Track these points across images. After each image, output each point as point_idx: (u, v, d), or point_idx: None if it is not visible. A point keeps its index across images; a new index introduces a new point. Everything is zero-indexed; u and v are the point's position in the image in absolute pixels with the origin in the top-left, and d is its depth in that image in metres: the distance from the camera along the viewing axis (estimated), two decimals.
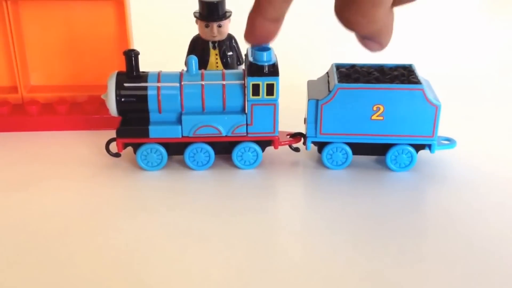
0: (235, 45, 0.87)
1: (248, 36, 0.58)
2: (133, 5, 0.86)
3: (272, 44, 0.83)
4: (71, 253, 0.62)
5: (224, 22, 0.84)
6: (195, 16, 0.85)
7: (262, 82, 0.72)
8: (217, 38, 0.85)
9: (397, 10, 0.47)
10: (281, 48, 0.88)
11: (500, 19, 1.33)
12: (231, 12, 0.85)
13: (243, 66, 0.88)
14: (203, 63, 0.84)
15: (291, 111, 0.80)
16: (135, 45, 0.87)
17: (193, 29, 0.86)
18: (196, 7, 0.85)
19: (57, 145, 0.83)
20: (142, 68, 0.74)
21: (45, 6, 0.83)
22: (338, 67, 0.77)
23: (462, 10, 1.38)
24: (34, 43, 0.84)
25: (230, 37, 0.87)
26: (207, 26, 0.83)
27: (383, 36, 0.53)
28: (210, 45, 0.85)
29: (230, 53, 0.86)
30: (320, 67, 0.82)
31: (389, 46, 0.48)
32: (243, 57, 0.87)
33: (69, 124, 0.85)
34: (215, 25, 0.83)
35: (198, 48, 0.80)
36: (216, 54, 0.85)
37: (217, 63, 0.85)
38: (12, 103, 0.86)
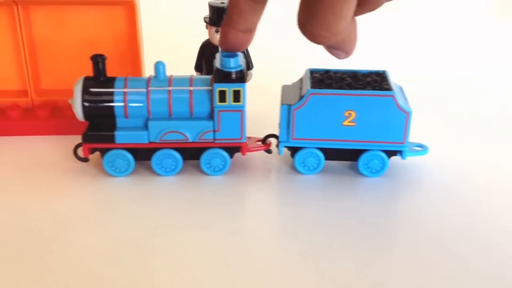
0: (245, 50, 0.87)
1: (222, 44, 0.58)
2: (143, 9, 0.86)
3: (251, 49, 0.84)
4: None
5: None
6: (205, 21, 0.85)
7: (229, 89, 0.71)
8: None
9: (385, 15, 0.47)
10: (260, 52, 0.89)
11: (476, 25, 1.33)
12: None
13: (252, 71, 0.87)
14: (212, 68, 0.82)
15: (268, 116, 0.80)
16: (146, 49, 0.87)
17: (203, 34, 0.86)
18: (206, 11, 0.85)
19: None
20: (151, 72, 0.74)
21: (56, 10, 0.82)
22: (312, 72, 0.76)
23: (443, 16, 1.38)
24: (45, 47, 0.83)
25: None
26: (217, 31, 0.83)
27: (348, 45, 0.53)
28: (220, 50, 0.83)
29: None
30: (299, 72, 0.81)
31: (364, 53, 0.48)
32: (253, 62, 0.87)
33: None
34: None
35: (207, 53, 0.79)
36: None
37: None
38: None
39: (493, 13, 1.35)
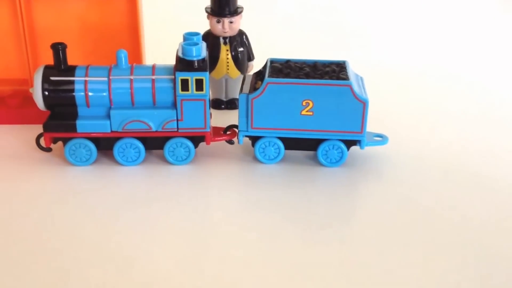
0: (246, 41, 0.88)
1: None
2: None
3: (252, 41, 0.86)
4: None
5: (235, 18, 0.84)
6: (206, 11, 0.85)
7: (191, 77, 0.71)
8: (228, 34, 0.85)
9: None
10: (260, 44, 0.90)
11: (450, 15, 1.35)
12: (242, 8, 0.85)
13: (253, 63, 0.88)
14: (213, 59, 0.85)
15: None
16: (146, 39, 0.86)
17: (204, 24, 0.86)
18: (208, 2, 0.85)
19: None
20: (152, 62, 0.74)
21: None
22: (273, 61, 0.77)
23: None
24: (46, 36, 0.83)
25: (241, 33, 0.87)
26: (218, 22, 0.84)
27: None
28: (221, 40, 0.85)
29: (241, 49, 0.87)
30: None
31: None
32: (254, 53, 0.88)
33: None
34: (226, 20, 0.84)
35: (208, 44, 0.80)
36: (227, 50, 0.86)
37: (227, 59, 0.85)
38: None
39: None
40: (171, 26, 1.12)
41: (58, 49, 0.72)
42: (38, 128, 0.77)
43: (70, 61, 0.74)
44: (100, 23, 0.84)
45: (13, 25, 0.82)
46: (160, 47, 0.78)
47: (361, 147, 0.75)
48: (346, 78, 0.72)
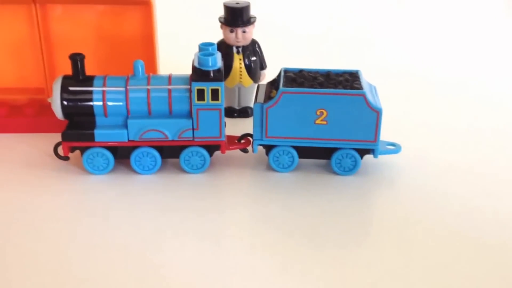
0: (259, 50, 0.89)
1: None
2: (159, 8, 0.87)
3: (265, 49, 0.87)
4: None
5: (248, 28, 0.85)
6: (220, 21, 0.86)
7: (207, 87, 0.72)
8: (241, 43, 0.86)
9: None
10: (273, 53, 0.91)
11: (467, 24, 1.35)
12: (255, 17, 0.87)
13: (265, 71, 0.89)
14: (226, 68, 0.86)
15: None
16: (161, 49, 0.87)
17: (218, 34, 0.87)
18: (221, 12, 0.86)
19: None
20: (166, 71, 0.74)
21: (73, 9, 0.83)
22: (286, 71, 0.78)
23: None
24: (62, 45, 0.84)
25: (254, 42, 0.88)
26: (231, 31, 0.85)
27: None
28: (234, 50, 0.87)
29: (254, 58, 0.88)
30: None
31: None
32: (266, 62, 0.89)
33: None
34: (239, 30, 0.85)
35: (222, 53, 0.80)
36: (240, 59, 0.87)
37: (240, 67, 0.87)
38: None
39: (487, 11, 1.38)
40: (184, 35, 1.15)
41: (77, 60, 0.73)
42: (54, 137, 0.79)
43: (86, 71, 0.75)
44: (115, 33, 0.84)
45: (30, 35, 0.83)
46: (173, 57, 0.78)
47: (375, 156, 0.76)
48: (360, 87, 0.73)
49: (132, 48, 0.85)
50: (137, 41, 0.85)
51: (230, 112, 0.92)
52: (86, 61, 0.74)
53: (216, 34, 0.89)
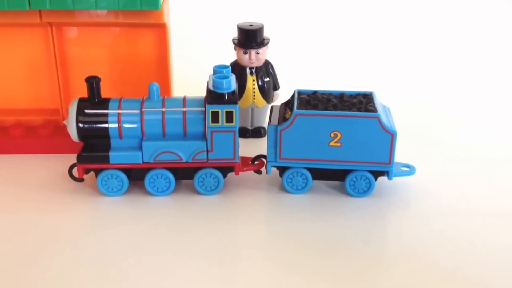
0: (272, 71, 0.89)
1: None
2: (173, 30, 0.88)
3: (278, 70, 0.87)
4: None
5: (262, 49, 0.86)
6: (233, 43, 0.86)
7: (222, 110, 0.72)
8: (255, 65, 0.86)
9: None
10: (287, 73, 0.91)
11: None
12: (269, 39, 0.87)
13: (278, 92, 0.89)
14: (240, 89, 0.86)
15: None
16: (175, 71, 0.87)
17: (231, 55, 0.87)
18: (235, 33, 0.86)
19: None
20: (179, 93, 0.74)
21: (88, 31, 0.83)
22: (300, 93, 0.78)
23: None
24: (77, 67, 0.85)
25: (267, 63, 0.88)
26: (245, 53, 0.85)
27: None
28: (248, 71, 0.87)
29: (267, 79, 0.88)
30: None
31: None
32: (279, 83, 0.89)
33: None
34: (253, 52, 0.85)
35: (235, 74, 0.80)
36: (253, 80, 0.87)
37: (254, 88, 0.87)
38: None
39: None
40: (197, 57, 1.14)
41: (93, 83, 0.73)
42: (69, 158, 0.79)
43: (102, 95, 0.75)
44: (130, 55, 0.85)
45: (46, 57, 0.84)
46: (187, 79, 0.78)
47: (389, 178, 0.75)
48: (374, 110, 0.73)
49: (147, 70, 0.85)
50: (151, 64, 0.85)
51: (243, 132, 0.91)
52: (101, 83, 0.75)
53: (229, 55, 0.89)
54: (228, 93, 0.72)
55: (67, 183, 0.78)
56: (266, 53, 0.88)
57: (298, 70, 1.16)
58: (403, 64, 1.23)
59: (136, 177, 0.76)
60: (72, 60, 0.85)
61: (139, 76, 0.85)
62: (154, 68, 0.86)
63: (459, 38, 1.31)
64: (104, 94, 0.76)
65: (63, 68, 0.84)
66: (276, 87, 0.90)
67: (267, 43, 0.87)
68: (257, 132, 0.93)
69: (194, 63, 1.11)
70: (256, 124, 0.92)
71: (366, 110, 0.73)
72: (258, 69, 0.88)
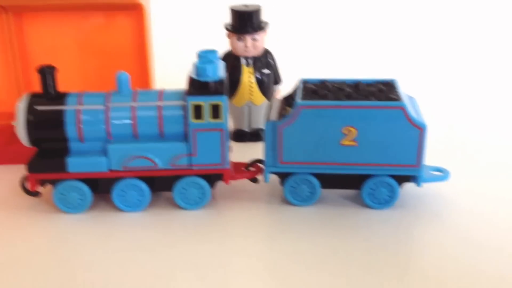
0: (272, 62, 0.83)
1: None
2: (155, 16, 0.82)
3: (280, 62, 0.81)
4: None
5: (259, 35, 0.79)
6: (226, 29, 0.80)
7: (206, 103, 0.63)
8: (251, 54, 0.80)
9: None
10: (289, 66, 0.85)
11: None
12: (267, 23, 0.81)
13: (280, 87, 0.84)
14: (234, 83, 0.80)
15: None
16: (156, 62, 0.82)
17: (224, 43, 0.81)
18: (227, 17, 0.80)
19: None
20: (164, 87, 0.69)
21: (54, 18, 0.77)
22: (306, 82, 0.69)
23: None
24: (41, 61, 0.77)
25: (266, 52, 0.82)
26: (239, 39, 0.79)
27: None
28: (243, 62, 0.80)
29: (266, 71, 0.81)
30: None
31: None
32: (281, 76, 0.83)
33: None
34: (249, 38, 0.79)
35: (228, 65, 0.74)
36: (250, 72, 0.81)
37: (250, 82, 0.81)
38: None
39: None
40: (185, 45, 1.07)
41: (46, 73, 0.64)
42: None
43: (72, 90, 0.68)
44: (102, 43, 0.79)
45: (1, 50, 0.77)
46: (172, 72, 0.72)
47: (418, 184, 0.66)
48: (398, 98, 0.63)
49: (123, 60, 0.79)
50: (128, 53, 0.79)
51: (240, 136, 0.84)
52: (70, 77, 0.70)
53: (223, 44, 0.81)
54: (214, 82, 0.63)
55: (22, 198, 0.70)
56: (265, 40, 0.80)
57: (303, 60, 1.09)
58: (432, 46, 1.17)
59: (101, 189, 0.67)
60: (35, 54, 0.78)
61: (114, 67, 0.77)
62: (131, 58, 0.80)
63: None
64: (75, 89, 0.68)
65: (23, 63, 0.78)
66: (277, 81, 0.83)
67: (265, 28, 0.80)
68: (256, 135, 0.84)
69: (180, 52, 1.03)
70: (255, 126, 0.84)
71: (388, 99, 0.63)
72: (255, 60, 0.81)
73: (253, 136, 0.83)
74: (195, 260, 0.59)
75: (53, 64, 0.71)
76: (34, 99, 0.65)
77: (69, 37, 0.78)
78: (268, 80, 0.81)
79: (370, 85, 0.67)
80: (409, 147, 0.63)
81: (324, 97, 0.64)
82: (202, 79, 0.62)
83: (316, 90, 0.66)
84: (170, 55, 0.95)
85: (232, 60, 0.80)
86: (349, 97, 0.64)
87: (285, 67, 0.84)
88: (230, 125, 0.83)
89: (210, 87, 0.62)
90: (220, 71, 0.64)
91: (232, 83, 0.79)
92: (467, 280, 0.56)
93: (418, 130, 0.62)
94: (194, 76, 0.63)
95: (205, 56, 0.67)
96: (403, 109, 0.61)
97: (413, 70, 1.07)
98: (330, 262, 0.58)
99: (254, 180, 0.70)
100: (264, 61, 0.81)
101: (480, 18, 1.26)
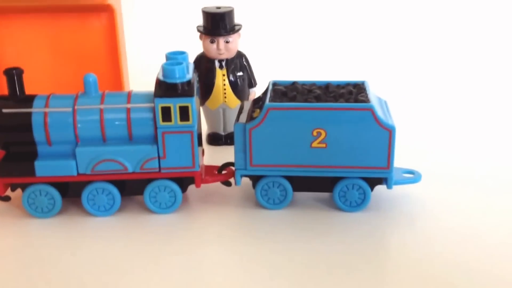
0: (246, 64, 0.81)
1: None
2: (126, 16, 0.80)
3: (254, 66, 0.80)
4: None
5: (232, 37, 0.77)
6: (198, 31, 0.79)
7: (174, 104, 0.61)
8: (224, 56, 0.78)
9: None
10: (263, 68, 0.85)
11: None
12: (240, 25, 0.79)
13: (255, 89, 0.82)
14: (208, 86, 0.79)
15: None
16: (129, 64, 0.81)
17: (197, 46, 0.79)
18: (200, 20, 0.78)
19: None
20: (137, 89, 0.67)
21: (22, 20, 0.76)
22: (275, 84, 0.67)
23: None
24: (9, 64, 0.75)
25: (240, 55, 0.81)
26: (212, 42, 0.77)
27: None
28: (217, 64, 0.79)
29: (240, 73, 0.80)
30: None
31: None
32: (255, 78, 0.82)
33: None
34: (221, 40, 0.77)
35: (202, 68, 0.73)
36: (224, 75, 0.79)
37: (224, 85, 0.79)
38: None
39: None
40: (157, 48, 1.05)
41: (13, 74, 0.63)
42: None
43: (44, 92, 0.66)
44: (73, 46, 0.78)
45: None
46: (145, 73, 0.70)
47: (388, 186, 0.64)
48: (367, 100, 0.62)
49: (95, 62, 0.78)
50: (100, 54, 0.78)
51: (215, 139, 0.83)
52: (41, 80, 0.70)
53: (195, 46, 0.79)
54: (182, 84, 0.61)
55: None
56: (239, 43, 0.79)
57: (278, 63, 1.08)
58: (404, 54, 1.15)
59: (71, 193, 0.66)
60: (5, 56, 0.77)
61: (87, 70, 0.75)
62: (103, 60, 0.78)
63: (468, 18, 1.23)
64: (47, 93, 0.66)
65: None
66: (252, 83, 0.81)
67: (239, 29, 0.78)
68: (231, 138, 0.82)
69: (153, 54, 1.01)
70: (230, 129, 0.83)
71: (357, 101, 0.62)
72: (229, 62, 0.79)
73: (228, 139, 0.82)
74: (166, 264, 0.58)
75: (25, 66, 0.69)
76: (1, 102, 0.63)
77: (40, 39, 0.77)
78: (242, 83, 0.79)
79: (340, 87, 0.66)
80: (378, 149, 0.62)
81: (293, 99, 0.63)
82: (170, 80, 0.61)
83: (285, 91, 0.65)
84: (143, 56, 0.94)
85: (205, 63, 0.78)
86: (318, 98, 0.63)
87: (260, 70, 0.82)
88: (205, 128, 0.83)
89: (178, 88, 0.61)
90: (189, 72, 0.63)
91: (206, 86, 0.77)
92: (441, 280, 0.55)
93: (387, 131, 0.61)
94: (162, 78, 0.61)
95: (174, 58, 0.65)
96: (371, 110, 0.60)
97: (386, 72, 1.07)
98: (304, 266, 0.57)
99: (227, 183, 0.68)
100: (238, 63, 0.79)
101: (452, 20, 1.25)
